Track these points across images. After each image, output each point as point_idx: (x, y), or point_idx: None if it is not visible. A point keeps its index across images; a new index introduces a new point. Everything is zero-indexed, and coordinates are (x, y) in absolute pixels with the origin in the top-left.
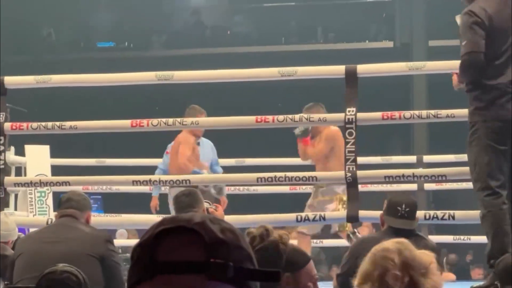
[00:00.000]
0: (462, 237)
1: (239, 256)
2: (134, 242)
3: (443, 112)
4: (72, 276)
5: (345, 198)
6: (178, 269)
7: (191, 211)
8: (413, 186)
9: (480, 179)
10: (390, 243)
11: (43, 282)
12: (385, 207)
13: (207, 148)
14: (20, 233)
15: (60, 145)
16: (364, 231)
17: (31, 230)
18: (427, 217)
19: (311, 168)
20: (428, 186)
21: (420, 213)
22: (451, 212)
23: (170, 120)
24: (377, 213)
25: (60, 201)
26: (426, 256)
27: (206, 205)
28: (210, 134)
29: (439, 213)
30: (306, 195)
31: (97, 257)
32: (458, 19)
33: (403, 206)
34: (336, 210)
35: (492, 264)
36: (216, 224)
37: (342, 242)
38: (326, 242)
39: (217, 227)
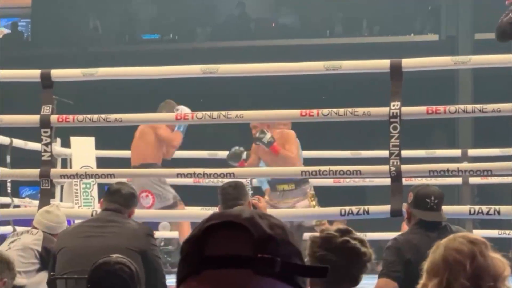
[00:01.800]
0: (507, 231)
1: (287, 251)
2: (176, 233)
3: (489, 107)
4: (125, 268)
5: (312, 192)
6: (225, 264)
7: (237, 203)
8: (458, 180)
9: None
10: (465, 243)
11: (96, 273)
12: (412, 199)
13: None
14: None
15: (106, 137)
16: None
17: (76, 221)
18: (472, 212)
19: (353, 161)
20: (473, 180)
21: (464, 208)
22: (497, 207)
23: (215, 113)
24: None
25: (108, 191)
26: (500, 263)
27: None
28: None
29: (484, 208)
30: (351, 188)
31: (137, 250)
32: None
33: (432, 198)
34: (309, 206)
35: None
36: (264, 220)
37: (386, 235)
38: (370, 235)
39: (265, 223)
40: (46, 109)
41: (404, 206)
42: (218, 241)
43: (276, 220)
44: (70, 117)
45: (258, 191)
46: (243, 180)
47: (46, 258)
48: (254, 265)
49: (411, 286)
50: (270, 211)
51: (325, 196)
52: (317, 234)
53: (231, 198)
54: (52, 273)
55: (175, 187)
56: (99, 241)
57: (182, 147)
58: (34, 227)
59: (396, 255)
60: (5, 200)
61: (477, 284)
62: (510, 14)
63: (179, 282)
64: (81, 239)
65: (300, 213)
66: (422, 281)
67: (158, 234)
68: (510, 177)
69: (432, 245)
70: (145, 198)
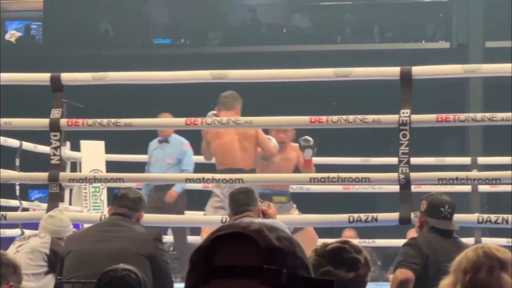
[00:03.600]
0: None
1: (294, 263)
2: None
3: (499, 115)
4: (132, 274)
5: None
6: (233, 274)
7: (247, 209)
8: (467, 188)
9: None
10: (480, 254)
11: (104, 279)
12: (426, 208)
13: (175, 145)
14: (74, 229)
15: (116, 141)
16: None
17: (85, 226)
18: (480, 220)
19: (362, 168)
20: (483, 188)
21: (473, 216)
22: (505, 216)
23: (225, 119)
24: None
25: (115, 196)
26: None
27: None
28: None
29: (493, 216)
30: (360, 195)
31: (146, 255)
32: None
33: (446, 207)
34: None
35: None
36: (273, 233)
37: (394, 242)
38: (378, 242)
39: (273, 235)
40: (55, 113)
41: (417, 214)
42: (227, 252)
43: (284, 233)
44: (80, 121)
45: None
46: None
47: (54, 261)
48: (261, 276)
49: (425, 283)
50: (279, 218)
51: (334, 202)
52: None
53: (241, 204)
54: (58, 277)
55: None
56: (107, 245)
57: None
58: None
59: (416, 250)
60: (14, 203)
61: None
62: None
63: None
64: (89, 243)
65: (308, 220)
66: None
67: (166, 238)
68: None
69: (448, 250)
70: None
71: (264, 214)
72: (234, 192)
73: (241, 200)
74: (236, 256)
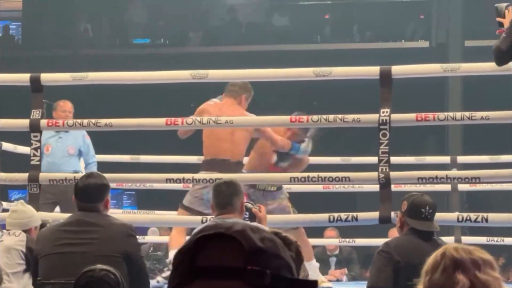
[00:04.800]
0: (495, 238)
1: (277, 264)
2: (165, 238)
3: (478, 114)
4: (110, 274)
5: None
6: (216, 274)
7: (229, 201)
8: (447, 187)
9: None
10: (464, 254)
11: (82, 280)
12: (406, 208)
13: (75, 135)
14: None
15: (95, 141)
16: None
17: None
18: (460, 219)
19: (343, 167)
20: (462, 187)
21: (453, 215)
22: (484, 214)
23: (205, 119)
24: None
25: (77, 189)
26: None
27: (249, 205)
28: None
29: (472, 215)
30: (340, 194)
31: (121, 255)
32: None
33: (427, 208)
34: (288, 208)
35: None
36: (256, 233)
37: (375, 242)
38: (359, 241)
39: (257, 236)
40: (36, 113)
41: (397, 214)
42: (210, 252)
43: (268, 234)
44: (60, 121)
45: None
46: None
47: (31, 259)
48: (245, 276)
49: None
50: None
51: (314, 202)
52: None
53: (224, 195)
54: (38, 278)
55: (164, 192)
56: (81, 248)
57: (172, 152)
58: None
59: (385, 259)
60: None
61: None
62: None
63: None
64: (63, 247)
65: (289, 219)
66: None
67: (147, 239)
68: (499, 184)
69: (424, 252)
70: None
71: (252, 215)
72: (218, 183)
73: (224, 192)
74: (220, 257)
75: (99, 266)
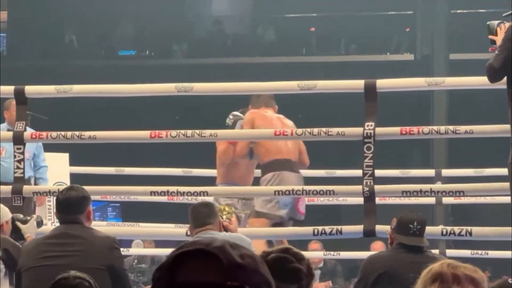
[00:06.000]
0: (480, 251)
1: (256, 280)
2: (150, 251)
3: (462, 128)
4: (85, 282)
5: (226, 209)
6: None
7: (207, 221)
8: (432, 200)
9: None
10: (447, 270)
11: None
12: (395, 225)
13: None
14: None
15: (80, 153)
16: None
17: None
18: (444, 232)
19: (328, 180)
20: (447, 200)
21: (437, 229)
22: (469, 228)
23: (189, 132)
24: None
25: (58, 202)
26: None
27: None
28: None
29: (456, 229)
30: (325, 207)
31: (104, 268)
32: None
33: (415, 224)
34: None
35: None
36: (235, 250)
37: (359, 255)
38: (343, 254)
39: (236, 252)
40: (19, 125)
41: (388, 231)
42: (189, 269)
43: (247, 251)
44: (44, 133)
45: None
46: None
47: (8, 261)
48: None
49: None
50: (241, 231)
51: None
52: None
53: (201, 216)
54: None
55: (149, 204)
56: (65, 261)
57: (156, 165)
58: None
59: (365, 271)
60: None
61: None
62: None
63: None
64: (47, 260)
65: (273, 232)
66: None
67: (131, 251)
68: (484, 197)
69: (411, 266)
70: None
71: (226, 229)
72: (195, 205)
73: (202, 213)
74: (199, 273)
75: (72, 273)
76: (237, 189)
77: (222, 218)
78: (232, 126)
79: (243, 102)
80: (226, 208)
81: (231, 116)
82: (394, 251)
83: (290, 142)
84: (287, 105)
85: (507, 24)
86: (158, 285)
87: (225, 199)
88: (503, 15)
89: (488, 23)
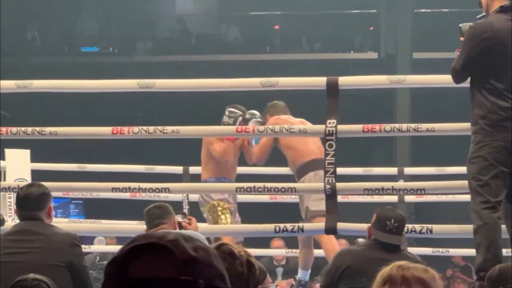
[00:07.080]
0: (440, 249)
1: (210, 274)
2: (112, 248)
3: (423, 126)
4: (43, 284)
5: (220, 204)
6: (148, 285)
7: (161, 222)
8: (394, 198)
9: (481, 193)
10: (420, 271)
11: None
12: (374, 220)
13: None
14: None
15: (42, 149)
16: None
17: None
18: (405, 230)
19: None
20: (409, 198)
21: None
22: (429, 226)
23: (151, 128)
24: (355, 226)
25: (18, 199)
26: None
27: (179, 218)
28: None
29: (417, 226)
30: (288, 205)
31: (64, 265)
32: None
33: (392, 221)
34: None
35: (482, 276)
36: (189, 243)
37: (322, 252)
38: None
39: (190, 245)
40: None
41: (367, 226)
42: (142, 263)
43: (201, 243)
44: (3, 129)
45: (194, 206)
46: (180, 195)
47: None
48: (178, 286)
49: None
50: (203, 226)
51: (261, 212)
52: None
53: (155, 217)
54: None
55: (112, 201)
56: (25, 258)
57: (119, 161)
58: None
59: (334, 264)
60: None
61: None
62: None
63: None
64: (7, 256)
65: (234, 229)
66: None
67: (93, 248)
68: (445, 195)
69: (376, 262)
70: None
71: (184, 229)
72: (149, 208)
73: (155, 214)
74: (152, 267)
75: (31, 275)
76: (198, 186)
77: (218, 214)
78: (233, 125)
79: (215, 99)
80: (220, 204)
81: (227, 113)
82: (367, 246)
83: (318, 143)
84: (249, 103)
85: None
86: (109, 280)
87: (217, 194)
88: (477, 16)
89: (460, 25)
